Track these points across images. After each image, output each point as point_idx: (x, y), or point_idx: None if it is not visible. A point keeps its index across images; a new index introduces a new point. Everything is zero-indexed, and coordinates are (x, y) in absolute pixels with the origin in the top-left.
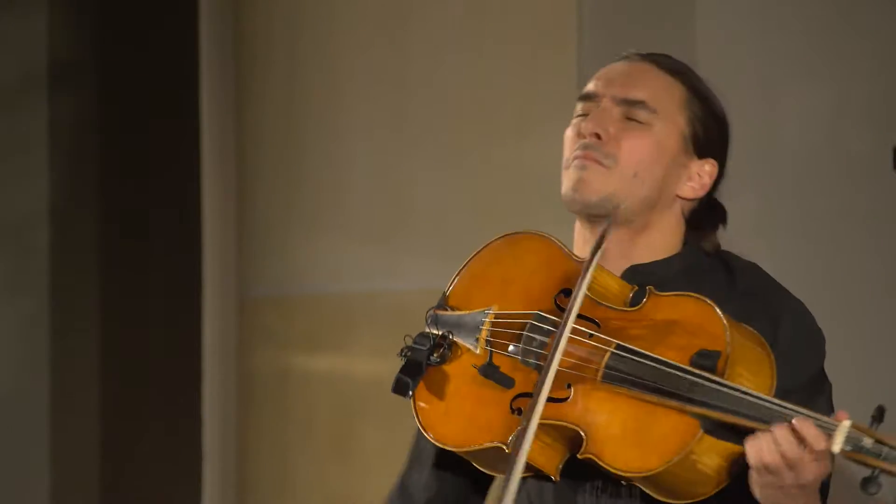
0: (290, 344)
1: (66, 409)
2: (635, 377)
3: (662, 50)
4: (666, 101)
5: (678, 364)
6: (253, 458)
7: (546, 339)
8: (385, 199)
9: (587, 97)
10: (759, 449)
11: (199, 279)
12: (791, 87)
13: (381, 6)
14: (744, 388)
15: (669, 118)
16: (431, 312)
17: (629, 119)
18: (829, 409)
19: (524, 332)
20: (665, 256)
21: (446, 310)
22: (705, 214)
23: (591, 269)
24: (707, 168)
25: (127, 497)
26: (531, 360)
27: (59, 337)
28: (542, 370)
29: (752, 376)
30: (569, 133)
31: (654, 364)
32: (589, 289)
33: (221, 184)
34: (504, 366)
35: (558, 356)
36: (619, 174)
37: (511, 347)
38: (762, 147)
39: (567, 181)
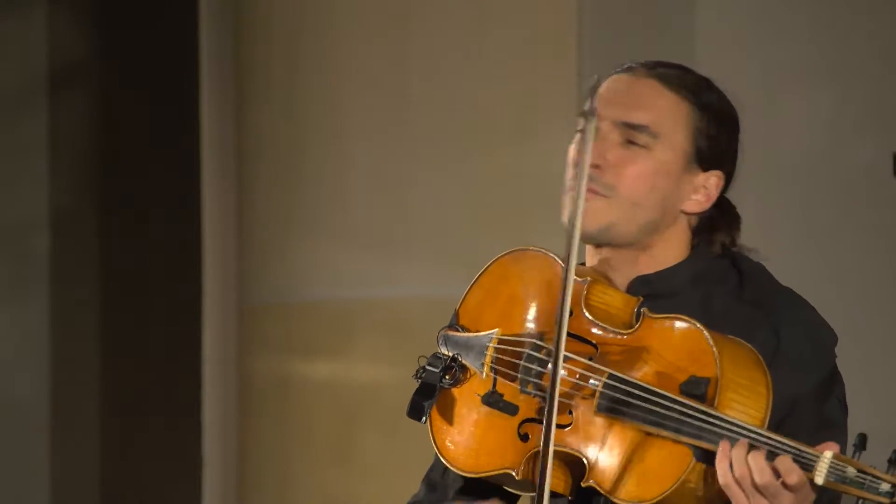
0: (290, 351)
1: (67, 415)
2: (627, 408)
3: (662, 56)
4: (669, 122)
5: (668, 395)
6: (253, 464)
7: (542, 370)
8: (384, 207)
9: (583, 113)
10: (735, 466)
11: (199, 287)
12: (791, 93)
13: (380, 12)
14: (731, 419)
15: (672, 139)
16: (443, 332)
17: (630, 142)
18: (842, 414)
19: (521, 362)
20: (672, 264)
21: (457, 329)
22: (716, 218)
23: (564, 317)
24: (713, 180)
25: (127, 503)
26: (529, 390)
27: (59, 342)
28: (543, 399)
29: (744, 400)
30: (571, 152)
31: (645, 394)
32: (588, 308)
33: (221, 191)
34: (508, 392)
35: (558, 389)
36: (618, 204)
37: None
38: (763, 153)
39: (565, 208)
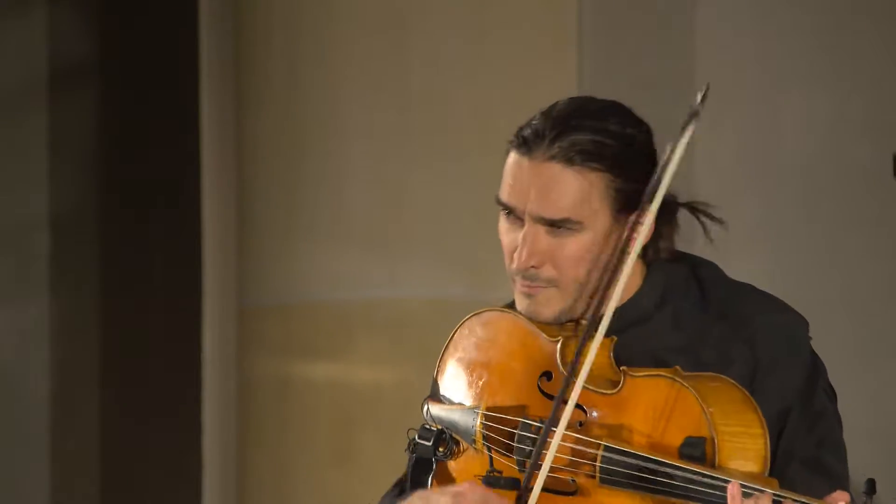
0: (290, 352)
1: (67, 415)
2: (630, 480)
3: (663, 60)
4: (586, 204)
5: (668, 462)
6: (252, 466)
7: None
8: (384, 208)
9: (507, 210)
10: None
11: (199, 288)
12: (791, 95)
13: (380, 16)
14: (734, 480)
15: (595, 213)
16: (427, 403)
17: (559, 230)
18: (828, 400)
19: (514, 443)
20: (635, 290)
21: (440, 399)
22: (656, 234)
23: (574, 396)
24: (643, 219)
25: None
26: (527, 468)
27: (59, 343)
28: (526, 472)
29: (742, 446)
30: (503, 233)
31: (644, 464)
32: (567, 368)
33: (221, 192)
34: (506, 466)
35: (545, 469)
36: (565, 289)
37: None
38: (762, 155)
39: (518, 304)
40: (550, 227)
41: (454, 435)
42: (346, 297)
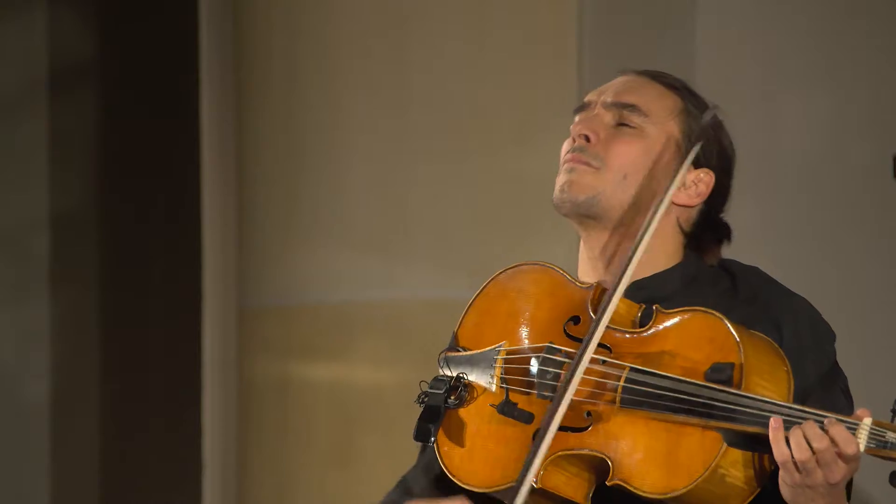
0: (290, 353)
1: (67, 416)
2: (653, 399)
3: (663, 60)
4: (659, 107)
5: (694, 381)
6: (253, 467)
7: (559, 371)
8: (384, 209)
9: (582, 108)
10: (794, 445)
11: (199, 289)
12: (791, 96)
13: (380, 16)
14: (762, 397)
15: (662, 124)
16: (443, 355)
17: (622, 124)
18: (848, 405)
19: (537, 366)
20: (665, 268)
21: (458, 350)
22: (708, 231)
23: (616, 296)
24: (703, 177)
25: None
26: (546, 394)
27: (59, 343)
28: (554, 399)
29: (768, 384)
30: (564, 145)
31: (670, 383)
32: (595, 313)
33: (221, 193)
34: (521, 401)
35: (572, 388)
36: (607, 175)
37: (530, 374)
38: (763, 155)
39: (557, 184)
40: (621, 111)
41: (468, 380)
42: (346, 298)
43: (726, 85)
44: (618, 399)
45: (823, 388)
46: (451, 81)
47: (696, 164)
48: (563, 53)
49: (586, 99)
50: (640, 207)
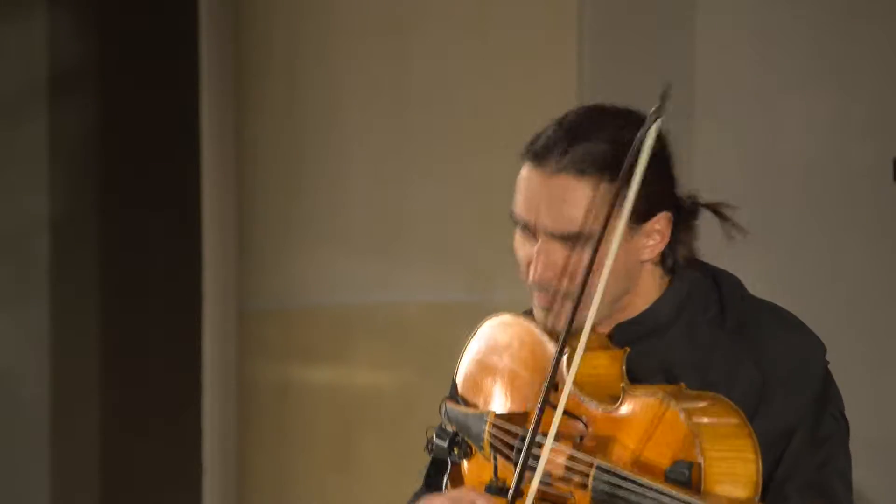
0: (290, 356)
1: (67, 419)
2: (620, 501)
3: (663, 60)
4: (599, 218)
5: (656, 486)
6: (252, 470)
7: (536, 459)
8: (383, 212)
9: (520, 224)
10: None
11: (199, 292)
12: (791, 98)
13: (380, 18)
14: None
15: (611, 230)
16: (444, 404)
17: (572, 242)
18: (836, 426)
19: (513, 453)
20: (654, 299)
21: (457, 401)
22: (675, 240)
23: (567, 389)
24: (662, 222)
25: None
26: (514, 478)
27: (59, 346)
28: (542, 485)
29: (731, 470)
30: (518, 247)
31: (634, 487)
32: (576, 380)
33: (221, 196)
34: (510, 475)
35: (536, 479)
36: (583, 299)
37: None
38: (763, 157)
39: (536, 315)
40: (563, 240)
41: (466, 439)
42: (346, 301)
43: (726, 86)
44: (588, 496)
45: (812, 419)
46: (450, 83)
47: (648, 218)
48: (563, 54)
49: (522, 218)
50: (622, 294)
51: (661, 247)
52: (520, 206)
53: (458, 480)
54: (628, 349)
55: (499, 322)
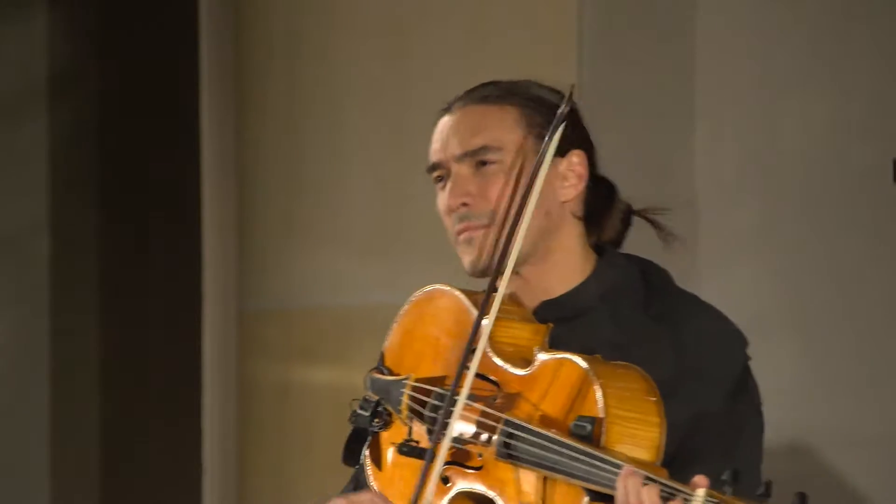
0: (290, 357)
1: (67, 420)
2: (524, 454)
3: (663, 60)
4: (504, 131)
5: (556, 438)
6: (253, 470)
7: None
8: (384, 213)
9: (434, 168)
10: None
11: (199, 292)
12: (791, 99)
13: (380, 20)
14: (613, 460)
15: (516, 145)
16: (369, 374)
17: (481, 164)
18: (748, 417)
19: (425, 411)
20: (578, 282)
21: (382, 371)
22: (597, 202)
23: (471, 374)
24: (574, 160)
25: None
26: (431, 438)
27: (59, 347)
28: (432, 441)
29: (634, 432)
30: (439, 204)
31: (536, 439)
32: (494, 345)
33: (222, 196)
34: (423, 438)
35: (447, 439)
36: (501, 222)
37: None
38: (762, 158)
39: (464, 258)
40: (473, 162)
41: (387, 406)
42: (347, 302)
43: (726, 86)
44: (493, 451)
45: (724, 407)
46: (451, 84)
47: (560, 153)
48: (563, 53)
49: (434, 160)
50: (542, 232)
51: (580, 186)
52: (433, 153)
53: (376, 451)
54: (552, 325)
55: (427, 292)
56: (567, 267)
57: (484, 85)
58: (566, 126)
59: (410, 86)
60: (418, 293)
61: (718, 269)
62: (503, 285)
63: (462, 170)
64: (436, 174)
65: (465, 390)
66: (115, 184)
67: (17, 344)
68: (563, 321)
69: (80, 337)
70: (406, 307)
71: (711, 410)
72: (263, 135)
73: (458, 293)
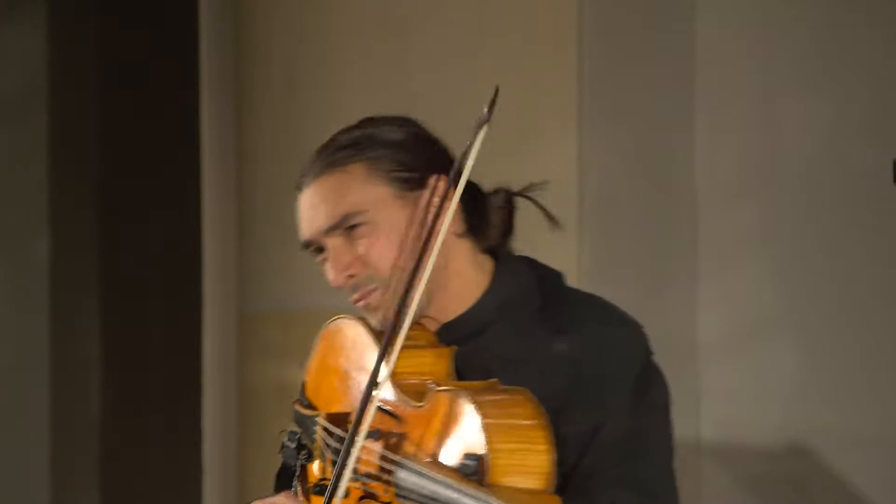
0: (290, 358)
1: (67, 421)
2: (412, 495)
3: (663, 60)
4: (358, 192)
5: (440, 477)
6: (253, 471)
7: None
8: None
9: (308, 247)
10: None
11: (199, 293)
12: (791, 100)
13: (380, 20)
14: (492, 500)
15: (375, 197)
16: (294, 405)
17: (351, 229)
18: (658, 444)
19: (329, 452)
20: (476, 298)
21: (303, 403)
22: (467, 206)
23: (368, 415)
24: (440, 185)
25: None
26: (332, 476)
27: (59, 348)
28: (357, 481)
29: (521, 463)
30: (328, 275)
31: (425, 481)
32: (394, 379)
33: (222, 197)
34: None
35: (346, 476)
36: (391, 284)
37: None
38: (762, 160)
39: (371, 321)
40: (342, 231)
41: (307, 441)
42: (347, 303)
43: (726, 86)
44: (391, 492)
45: (624, 412)
46: (450, 84)
47: (421, 186)
48: (563, 53)
49: (306, 239)
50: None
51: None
52: (302, 230)
53: (306, 483)
54: (455, 347)
55: (336, 324)
56: (464, 288)
57: (324, 148)
58: (412, 158)
59: (410, 86)
60: (328, 323)
61: (718, 270)
62: (405, 325)
63: (335, 242)
64: (310, 250)
65: (363, 429)
66: (115, 184)
67: (17, 344)
68: (467, 338)
69: (80, 337)
70: (318, 338)
71: (613, 418)
72: (263, 136)
73: (361, 327)
